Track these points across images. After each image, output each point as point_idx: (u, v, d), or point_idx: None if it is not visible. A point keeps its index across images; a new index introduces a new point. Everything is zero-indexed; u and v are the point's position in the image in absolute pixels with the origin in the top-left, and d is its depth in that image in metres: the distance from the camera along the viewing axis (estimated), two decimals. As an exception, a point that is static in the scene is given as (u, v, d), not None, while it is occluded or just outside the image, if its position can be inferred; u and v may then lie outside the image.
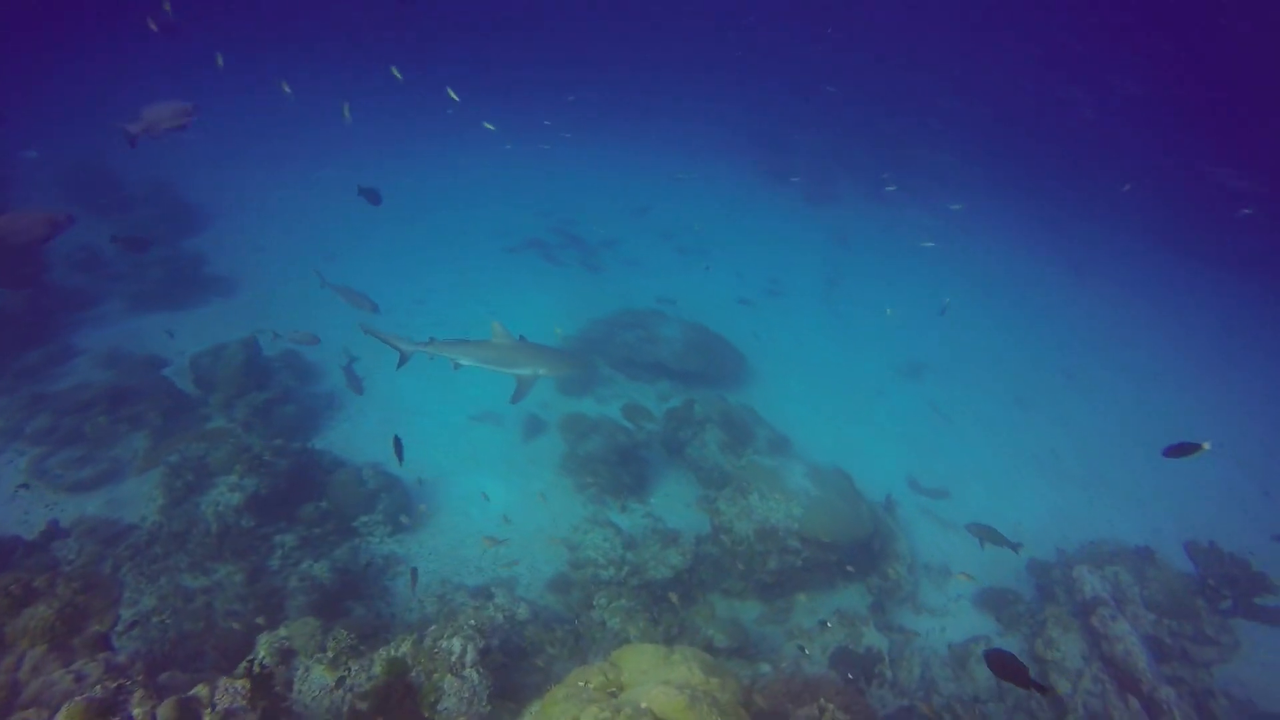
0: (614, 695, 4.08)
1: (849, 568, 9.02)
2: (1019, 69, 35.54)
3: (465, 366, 8.85)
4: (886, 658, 8.24)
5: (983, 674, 8.58)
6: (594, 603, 8.04)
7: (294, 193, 20.79)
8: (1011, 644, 9.16)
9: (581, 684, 4.19)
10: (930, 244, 19.51)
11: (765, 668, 7.53)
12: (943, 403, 14.50)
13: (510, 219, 20.49)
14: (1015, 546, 8.60)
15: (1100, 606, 8.65)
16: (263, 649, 5.94)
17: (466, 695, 5.46)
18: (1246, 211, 19.90)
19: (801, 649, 8.15)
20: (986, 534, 8.72)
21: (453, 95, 12.40)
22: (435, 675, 5.67)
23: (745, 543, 8.58)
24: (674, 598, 8.15)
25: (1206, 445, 6.32)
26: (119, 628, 6.68)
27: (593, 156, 27.44)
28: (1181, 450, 6.45)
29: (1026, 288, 21.21)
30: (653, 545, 8.71)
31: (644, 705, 3.69)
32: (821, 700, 4.93)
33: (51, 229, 9.55)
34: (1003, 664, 4.96)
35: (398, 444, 7.55)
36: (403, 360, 8.95)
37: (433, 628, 6.15)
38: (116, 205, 17.36)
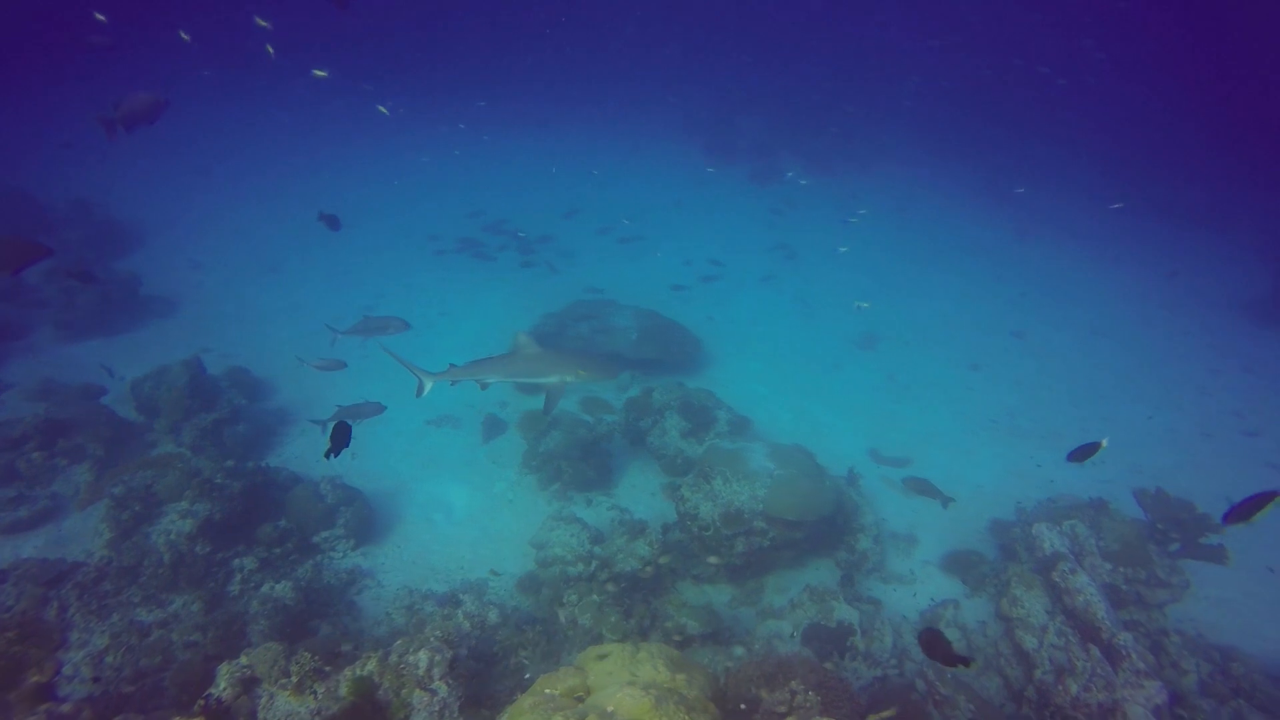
0: (581, 700, 4.04)
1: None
2: (973, 39, 35.89)
3: (493, 384, 8.73)
4: (858, 629, 8.34)
5: (952, 637, 8.75)
6: (564, 600, 7.98)
7: (228, 204, 20.18)
8: (979, 604, 9.37)
9: (548, 691, 4.13)
10: (844, 249, 19.48)
11: (739, 650, 7.56)
12: (899, 373, 14.71)
13: (445, 222, 20.17)
14: (946, 500, 8.80)
15: (1060, 561, 8.86)
16: (223, 680, 5.75)
17: (436, 709, 5.37)
18: (1117, 206, 20.44)
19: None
20: (920, 487, 9.05)
21: (319, 74, 12.08)
22: (404, 691, 5.56)
23: (712, 527, 8.60)
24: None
25: (1104, 442, 6.94)
26: (66, 670, 6.42)
27: (522, 154, 26.99)
28: (1083, 453, 7.05)
29: (974, 253, 21.60)
30: (620, 538, 8.67)
31: (610, 709, 3.64)
32: (793, 684, 4.94)
33: (32, 257, 9.04)
34: (932, 644, 5.15)
35: (339, 434, 6.31)
36: (421, 390, 8.67)
37: (399, 642, 6.03)
38: (40, 229, 16.61)
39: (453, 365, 8.62)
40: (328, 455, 6.45)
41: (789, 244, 20.47)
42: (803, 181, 22.84)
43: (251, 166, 23.18)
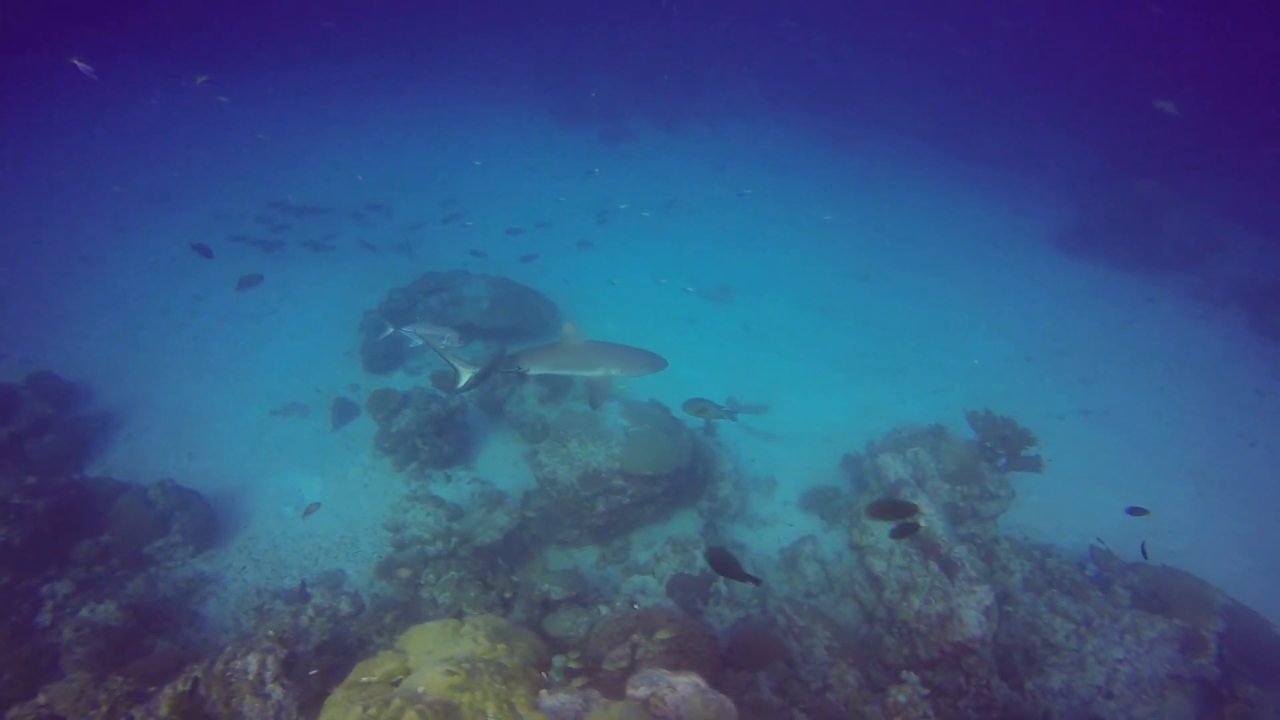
0: (397, 684, 3.85)
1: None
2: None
3: (534, 374, 8.28)
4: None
5: (811, 570, 9.19)
6: (422, 580, 7.71)
7: (18, 194, 17.81)
8: (835, 537, 9.87)
9: (364, 679, 3.91)
10: (649, 213, 19.55)
11: (604, 610, 7.58)
12: (754, 322, 15.08)
13: (255, 210, 18.14)
14: (730, 415, 9.10)
15: (903, 487, 9.42)
16: (16, 723, 5.15)
17: (271, 713, 5.02)
18: (747, 190, 21.48)
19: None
20: (700, 409, 9.33)
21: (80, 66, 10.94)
22: (234, 700, 5.17)
23: (570, 490, 8.53)
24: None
25: (920, 519, 8.10)
26: None
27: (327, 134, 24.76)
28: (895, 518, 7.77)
29: (820, 201, 22.37)
30: (479, 510, 8.46)
31: (420, 690, 3.48)
32: (634, 636, 4.96)
33: None
34: (720, 560, 5.33)
35: None
36: (458, 380, 7.92)
37: (227, 648, 5.60)
38: None
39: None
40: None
41: (625, 206, 20.02)
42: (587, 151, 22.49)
43: (32, 150, 20.39)
